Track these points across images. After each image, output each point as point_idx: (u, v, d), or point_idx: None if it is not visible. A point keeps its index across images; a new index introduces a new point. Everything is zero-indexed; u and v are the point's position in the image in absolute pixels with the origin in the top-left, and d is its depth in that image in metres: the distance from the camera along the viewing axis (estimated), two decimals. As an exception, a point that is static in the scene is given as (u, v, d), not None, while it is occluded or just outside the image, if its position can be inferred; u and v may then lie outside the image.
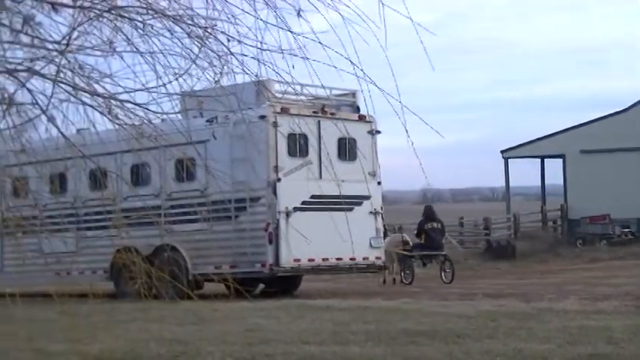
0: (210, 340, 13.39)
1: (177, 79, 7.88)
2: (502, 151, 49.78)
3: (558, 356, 11.33)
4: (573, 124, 48.39)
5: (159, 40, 7.74)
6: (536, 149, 49.06)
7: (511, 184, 51.45)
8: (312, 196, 21.86)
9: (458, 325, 14.58)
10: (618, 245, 41.75)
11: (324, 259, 22.24)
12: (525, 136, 48.98)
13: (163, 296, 11.66)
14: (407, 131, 8.05)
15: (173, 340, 13.48)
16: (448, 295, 21.80)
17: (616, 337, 12.69)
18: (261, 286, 23.84)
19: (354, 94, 22.81)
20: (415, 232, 28.57)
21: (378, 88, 7.85)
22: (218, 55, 7.86)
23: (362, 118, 23.01)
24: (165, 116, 8.17)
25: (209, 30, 7.80)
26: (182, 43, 7.80)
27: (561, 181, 48.50)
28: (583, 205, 45.26)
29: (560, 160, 48.16)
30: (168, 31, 7.74)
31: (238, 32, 7.83)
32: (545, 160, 50.94)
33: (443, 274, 27.33)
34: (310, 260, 22.02)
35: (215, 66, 7.90)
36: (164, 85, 7.86)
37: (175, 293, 14.09)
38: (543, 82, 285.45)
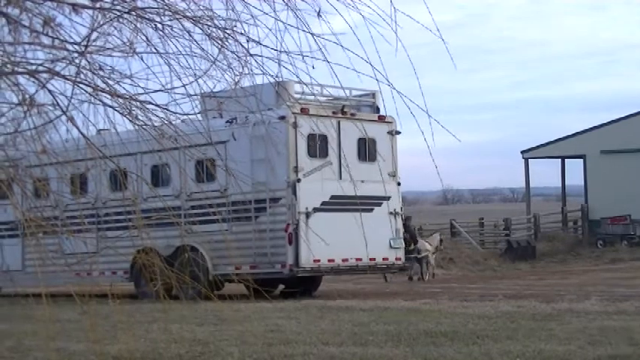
0: (230, 340, 13.42)
1: (196, 80, 7.89)
2: (522, 152, 49.67)
3: (578, 357, 11.30)
4: (594, 125, 48.28)
5: (178, 42, 7.75)
6: (557, 150, 48.93)
7: (531, 185, 51.37)
8: (332, 197, 21.85)
9: (478, 325, 14.57)
10: (639, 246, 41.57)
11: (343, 260, 22.23)
12: (546, 137, 48.79)
13: (183, 297, 11.68)
14: (423, 133, 8.00)
15: (193, 340, 13.52)
16: (468, 295, 21.77)
17: (637, 338, 12.65)
18: (281, 286, 23.85)
19: (373, 95, 22.82)
20: None
21: (397, 91, 7.82)
22: (238, 57, 7.86)
23: (382, 119, 22.99)
24: (185, 117, 8.19)
25: (228, 31, 7.81)
26: (201, 45, 7.82)
27: (582, 182, 48.34)
28: (603, 206, 45.09)
29: (581, 161, 48.01)
30: (188, 32, 7.75)
31: (258, 34, 7.84)
32: (566, 160, 50.80)
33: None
34: (330, 261, 22.01)
35: (234, 67, 7.91)
36: (184, 86, 7.88)
37: (196, 294, 14.11)
38: (564, 83, 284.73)
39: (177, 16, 7.67)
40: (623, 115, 47.48)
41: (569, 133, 49.14)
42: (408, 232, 30.79)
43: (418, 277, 31.14)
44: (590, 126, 48.27)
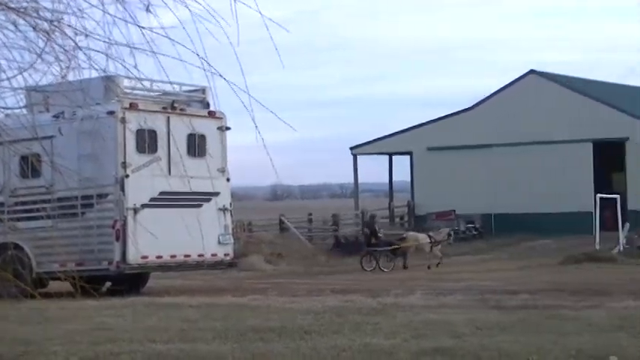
0: (55, 339, 13.15)
1: (22, 74, 7.72)
2: (351, 148, 50.33)
3: (403, 350, 11.53)
4: (420, 122, 49.32)
5: (2, 33, 7.57)
6: (385, 146, 49.79)
7: (360, 181, 52.13)
8: (161, 193, 21.70)
9: (305, 321, 14.71)
10: (463, 241, 42.69)
11: (172, 256, 22.10)
12: (377, 133, 49.33)
13: (6, 295, 11.42)
14: (257, 126, 8.09)
15: (15, 339, 13.18)
16: (297, 291, 21.96)
17: (459, 331, 13.00)
18: (108, 283, 23.52)
19: (204, 91, 22.74)
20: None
21: (227, 81, 7.87)
22: (65, 50, 7.73)
23: (212, 115, 22.92)
24: (9, 111, 8.00)
25: (55, 23, 7.66)
26: (27, 37, 7.65)
27: (409, 178, 49.35)
28: (429, 202, 46.18)
29: (408, 157, 49.00)
30: (13, 23, 7.57)
31: (85, 26, 7.72)
32: (393, 157, 51.73)
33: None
34: (158, 257, 21.86)
35: (62, 60, 7.77)
36: (8, 79, 7.70)
37: (19, 292, 13.79)
38: (393, 80, 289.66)
39: (1, 7, 7.48)
40: (448, 113, 48.68)
41: (397, 130, 50.06)
42: (369, 228, 34.03)
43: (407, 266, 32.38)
44: (417, 123, 49.35)
